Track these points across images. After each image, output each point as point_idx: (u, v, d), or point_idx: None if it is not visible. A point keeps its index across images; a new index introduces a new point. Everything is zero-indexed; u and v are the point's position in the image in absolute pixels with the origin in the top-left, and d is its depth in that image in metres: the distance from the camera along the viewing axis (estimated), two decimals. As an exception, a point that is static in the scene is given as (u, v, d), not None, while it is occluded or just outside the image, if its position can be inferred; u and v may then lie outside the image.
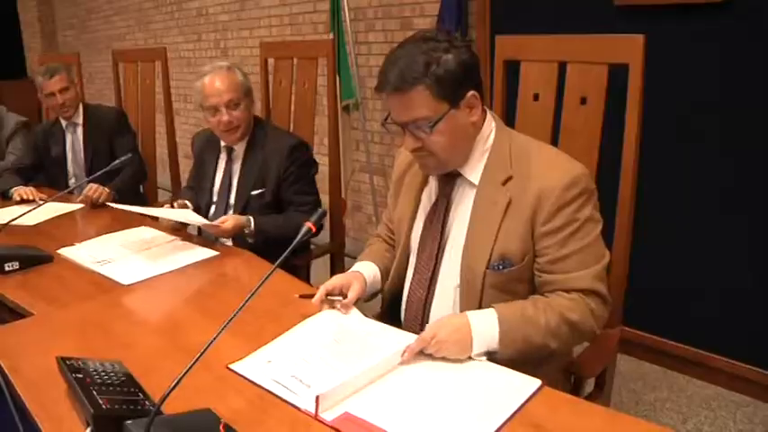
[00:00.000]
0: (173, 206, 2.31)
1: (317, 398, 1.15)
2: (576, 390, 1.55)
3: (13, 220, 2.12)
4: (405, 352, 1.29)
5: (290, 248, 1.26)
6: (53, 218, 2.54)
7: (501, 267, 1.42)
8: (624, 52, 1.56)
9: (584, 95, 1.65)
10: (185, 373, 1.06)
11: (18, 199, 2.76)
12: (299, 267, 2.33)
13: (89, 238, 2.22)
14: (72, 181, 3.18)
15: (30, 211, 2.24)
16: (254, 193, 2.30)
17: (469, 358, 1.32)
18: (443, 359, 1.30)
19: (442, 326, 1.33)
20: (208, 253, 2.04)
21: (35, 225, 2.42)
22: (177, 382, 1.05)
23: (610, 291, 1.42)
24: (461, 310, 1.44)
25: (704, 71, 2.44)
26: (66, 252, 2.08)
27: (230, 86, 2.24)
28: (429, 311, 1.53)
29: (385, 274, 1.67)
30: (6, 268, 1.90)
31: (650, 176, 1.96)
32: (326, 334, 1.44)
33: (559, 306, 1.37)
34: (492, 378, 1.26)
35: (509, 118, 1.83)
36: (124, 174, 3.00)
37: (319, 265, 2.67)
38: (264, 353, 1.37)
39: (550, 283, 1.41)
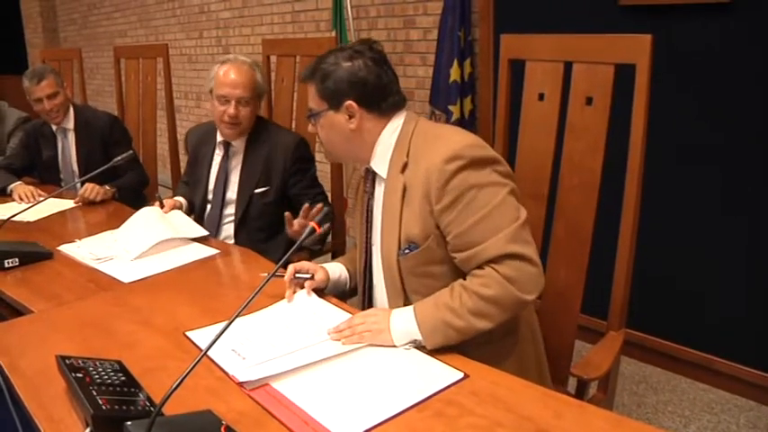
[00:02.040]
0: (162, 205, 2.29)
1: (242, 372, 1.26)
2: (579, 393, 1.54)
3: (13, 216, 2.11)
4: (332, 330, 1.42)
5: (293, 248, 1.26)
6: (53, 214, 2.53)
7: (408, 251, 1.47)
8: (631, 52, 1.54)
9: (590, 95, 1.62)
10: (187, 373, 1.04)
11: (18, 199, 2.74)
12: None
13: (89, 235, 2.21)
14: (63, 183, 3.12)
15: (30, 207, 2.23)
16: (258, 191, 2.28)
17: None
18: (383, 350, 1.37)
19: (368, 315, 1.44)
20: (208, 251, 2.03)
21: (35, 221, 2.41)
22: (179, 383, 1.03)
23: (613, 290, 1.40)
24: (390, 300, 1.54)
25: (709, 71, 2.42)
26: (66, 249, 2.07)
27: (247, 83, 2.23)
28: (372, 302, 1.64)
29: (355, 275, 1.75)
30: (6, 264, 1.89)
31: (655, 178, 1.94)
32: (280, 317, 1.55)
33: (472, 285, 1.38)
34: (418, 367, 1.32)
35: (513, 117, 1.81)
36: (128, 178, 2.99)
37: (319, 261, 2.65)
38: (221, 327, 1.38)
39: (466, 261, 1.41)
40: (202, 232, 2.17)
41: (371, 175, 1.59)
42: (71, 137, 3.10)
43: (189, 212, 2.47)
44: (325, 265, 1.74)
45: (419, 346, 1.38)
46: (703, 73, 2.44)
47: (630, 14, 2.56)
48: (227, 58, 2.29)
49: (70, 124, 3.08)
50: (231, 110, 2.21)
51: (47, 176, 3.14)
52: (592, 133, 1.62)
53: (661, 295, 2.67)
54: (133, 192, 3.02)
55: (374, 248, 1.60)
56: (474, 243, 1.38)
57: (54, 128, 3.10)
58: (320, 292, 1.67)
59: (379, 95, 1.51)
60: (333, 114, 1.52)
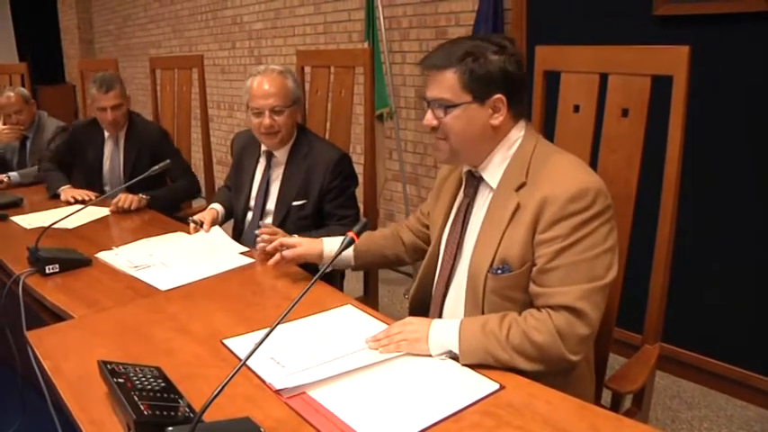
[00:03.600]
0: (200, 226, 2.32)
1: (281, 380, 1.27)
2: (614, 406, 1.52)
3: (54, 223, 2.15)
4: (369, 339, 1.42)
5: (333, 258, 1.27)
6: (90, 222, 2.58)
7: (500, 272, 1.42)
8: (668, 63, 1.53)
9: (626, 107, 1.62)
10: (228, 381, 1.06)
11: (68, 200, 2.82)
12: (332, 276, 2.32)
13: (127, 243, 2.25)
14: (107, 188, 3.18)
15: (71, 215, 2.27)
16: (296, 203, 2.29)
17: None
18: (419, 359, 1.37)
19: (406, 323, 1.42)
20: (244, 260, 2.05)
21: (73, 228, 2.46)
22: (220, 390, 1.04)
23: (648, 303, 1.38)
24: (466, 313, 1.48)
25: (747, 81, 2.39)
26: (104, 256, 2.11)
27: (278, 92, 2.23)
28: (444, 310, 1.58)
29: (364, 254, 1.88)
30: (47, 271, 1.93)
31: (691, 190, 1.92)
32: (317, 326, 1.55)
33: (525, 323, 1.34)
34: (455, 377, 1.31)
35: (548, 129, 1.81)
36: (171, 187, 3.06)
37: (353, 274, 2.67)
38: (258, 335, 1.41)
39: (536, 295, 1.39)
40: (241, 259, 2.08)
41: (476, 182, 1.52)
42: (121, 144, 3.14)
43: (226, 218, 2.51)
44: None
45: (453, 357, 1.37)
46: (740, 83, 2.41)
47: (665, 24, 2.55)
48: (257, 69, 2.30)
49: (122, 132, 3.14)
50: (266, 120, 2.22)
51: (88, 179, 3.16)
52: (628, 145, 1.61)
53: (696, 308, 2.63)
54: (176, 201, 3.10)
55: (463, 256, 1.53)
56: (549, 284, 1.36)
57: (106, 134, 3.14)
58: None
59: (522, 96, 1.46)
60: (476, 108, 1.42)
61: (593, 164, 1.68)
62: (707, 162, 2.49)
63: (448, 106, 1.42)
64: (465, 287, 1.50)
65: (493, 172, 1.48)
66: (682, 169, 1.56)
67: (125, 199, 2.74)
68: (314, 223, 2.29)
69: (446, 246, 1.59)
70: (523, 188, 1.41)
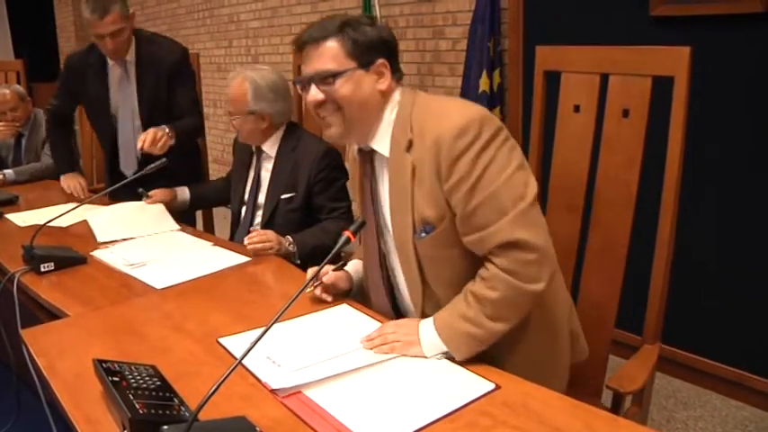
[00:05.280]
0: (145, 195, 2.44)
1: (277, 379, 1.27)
2: (615, 406, 1.53)
3: (50, 221, 2.15)
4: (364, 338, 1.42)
5: (328, 257, 1.26)
6: (85, 220, 2.56)
7: (424, 234, 1.41)
8: (669, 64, 1.53)
9: (627, 108, 1.62)
10: (224, 379, 1.05)
11: (66, 188, 2.82)
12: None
13: (122, 241, 2.24)
14: (119, 125, 2.72)
15: (66, 213, 2.26)
16: (285, 196, 2.29)
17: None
18: (414, 359, 1.37)
19: (400, 325, 1.43)
20: (240, 258, 2.05)
21: (69, 226, 2.45)
22: (216, 389, 1.04)
23: (648, 303, 1.38)
24: (409, 289, 1.50)
25: (743, 82, 2.40)
26: (99, 254, 2.10)
27: (233, 99, 2.27)
28: (395, 293, 1.59)
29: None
30: (42, 269, 1.93)
31: (691, 192, 1.92)
32: (313, 326, 1.55)
33: (480, 290, 1.35)
34: (450, 377, 1.31)
35: (548, 128, 1.81)
36: (190, 123, 2.66)
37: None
38: (254, 334, 1.38)
39: (475, 245, 1.37)
40: (237, 258, 2.08)
41: (370, 156, 1.52)
42: (132, 71, 2.66)
43: (193, 205, 2.63)
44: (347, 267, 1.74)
45: (450, 356, 1.37)
46: (736, 84, 2.41)
47: (662, 25, 2.55)
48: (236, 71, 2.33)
49: (131, 56, 2.64)
50: (233, 123, 2.29)
51: (95, 117, 2.86)
52: (628, 146, 1.62)
53: (692, 309, 2.63)
54: (190, 136, 2.70)
55: (388, 236, 1.53)
56: (479, 227, 1.34)
57: (110, 61, 2.66)
58: (347, 294, 1.69)
59: (398, 62, 1.47)
60: (362, 74, 1.41)
61: (594, 164, 1.69)
62: (705, 163, 2.50)
63: (334, 75, 1.40)
64: (399, 263, 1.50)
65: (381, 140, 1.46)
66: (682, 171, 1.56)
67: (152, 138, 2.41)
68: (303, 216, 2.28)
69: (368, 230, 1.57)
70: (412, 146, 1.39)
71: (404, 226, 1.43)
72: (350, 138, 1.52)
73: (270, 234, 2.09)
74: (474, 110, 1.36)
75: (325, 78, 1.41)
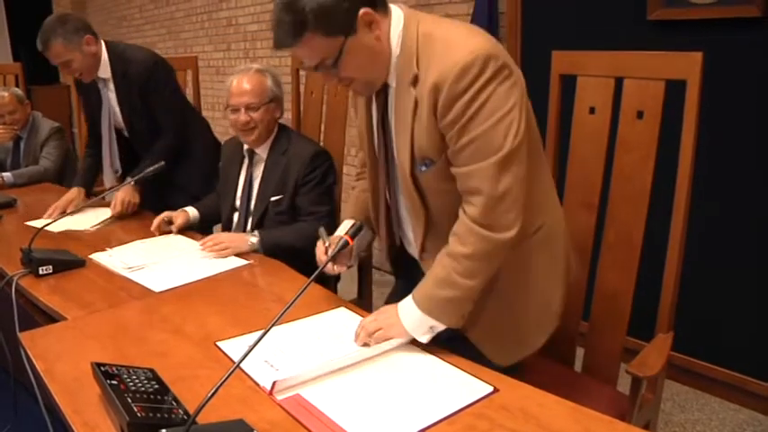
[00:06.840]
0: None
1: (274, 382, 1.26)
2: (633, 392, 1.53)
3: (48, 224, 2.15)
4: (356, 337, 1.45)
5: (327, 260, 1.27)
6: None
7: (424, 168, 1.41)
8: (682, 69, 1.58)
9: (641, 110, 1.66)
10: (222, 383, 1.06)
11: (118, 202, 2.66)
12: (326, 278, 2.32)
13: (120, 244, 2.24)
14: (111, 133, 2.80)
15: (60, 217, 2.26)
16: (274, 199, 2.30)
17: (423, 347, 1.42)
18: (413, 361, 1.39)
19: (378, 313, 1.45)
20: (239, 262, 2.05)
21: (67, 230, 2.45)
22: (214, 392, 1.04)
23: (662, 293, 1.49)
24: (412, 219, 1.51)
25: (742, 84, 2.40)
26: (97, 257, 2.10)
27: (254, 90, 2.25)
28: (399, 221, 1.60)
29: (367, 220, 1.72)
30: (41, 272, 1.93)
31: (704, 193, 1.93)
32: (311, 329, 1.56)
33: (453, 247, 1.37)
34: (448, 380, 1.32)
35: (564, 130, 1.84)
36: (156, 155, 2.59)
37: (347, 276, 2.66)
38: (252, 337, 1.39)
39: (458, 180, 1.38)
40: (235, 261, 2.08)
41: (384, 89, 1.47)
42: (111, 87, 2.73)
43: (203, 223, 2.52)
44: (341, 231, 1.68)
45: (445, 358, 1.38)
46: (735, 87, 2.42)
47: (660, 29, 2.55)
48: (239, 68, 2.32)
49: (107, 73, 2.69)
50: (242, 117, 2.24)
51: (94, 126, 2.89)
52: (642, 146, 1.65)
53: (690, 312, 2.63)
54: (168, 161, 2.50)
55: (398, 169, 1.51)
56: (461, 164, 1.35)
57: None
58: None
59: None
60: (354, 39, 1.33)
61: (609, 163, 1.72)
62: (721, 169, 2.49)
63: (332, 62, 1.36)
64: (404, 197, 1.51)
65: (392, 74, 1.43)
66: (694, 173, 1.60)
67: (120, 204, 2.59)
68: (290, 219, 2.29)
69: (372, 161, 1.58)
70: (418, 81, 1.36)
71: (405, 158, 1.43)
72: (376, 89, 1.48)
73: (221, 236, 2.17)
74: (479, 46, 1.30)
75: (327, 66, 1.38)
